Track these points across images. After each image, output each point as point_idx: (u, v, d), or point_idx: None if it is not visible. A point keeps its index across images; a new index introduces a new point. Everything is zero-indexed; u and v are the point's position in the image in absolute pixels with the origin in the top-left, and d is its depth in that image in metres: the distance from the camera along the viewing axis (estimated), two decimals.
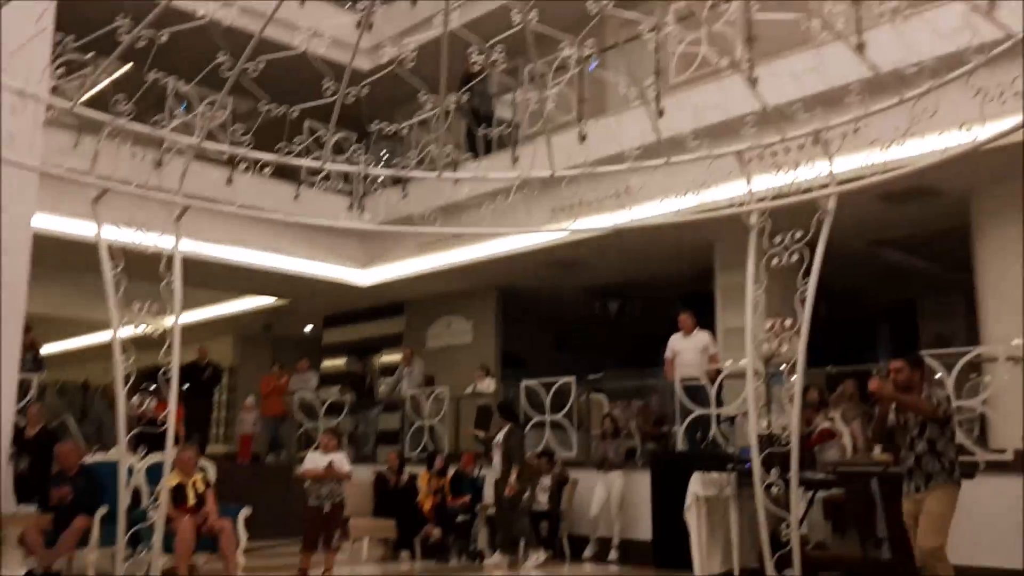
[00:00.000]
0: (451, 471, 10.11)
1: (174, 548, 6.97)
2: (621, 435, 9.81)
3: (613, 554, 9.14)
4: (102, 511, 7.59)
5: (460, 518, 9.21)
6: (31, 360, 10.56)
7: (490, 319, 15.44)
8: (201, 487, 7.51)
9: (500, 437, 9.29)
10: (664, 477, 8.66)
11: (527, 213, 7.30)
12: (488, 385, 13.16)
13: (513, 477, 8.89)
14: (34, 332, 11.24)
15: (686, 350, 9.86)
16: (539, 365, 16.43)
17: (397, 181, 11.60)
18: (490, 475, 10.08)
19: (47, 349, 14.60)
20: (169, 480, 7.29)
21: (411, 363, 14.20)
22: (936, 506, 5.54)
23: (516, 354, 17.03)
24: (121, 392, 6.35)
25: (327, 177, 7.24)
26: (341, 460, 8.10)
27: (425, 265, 14.31)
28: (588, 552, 9.14)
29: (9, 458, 8.49)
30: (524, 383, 11.72)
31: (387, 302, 16.59)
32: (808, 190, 6.58)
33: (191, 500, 7.38)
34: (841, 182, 6.55)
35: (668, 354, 10.05)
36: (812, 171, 6.58)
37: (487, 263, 13.51)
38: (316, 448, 8.24)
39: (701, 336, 10.01)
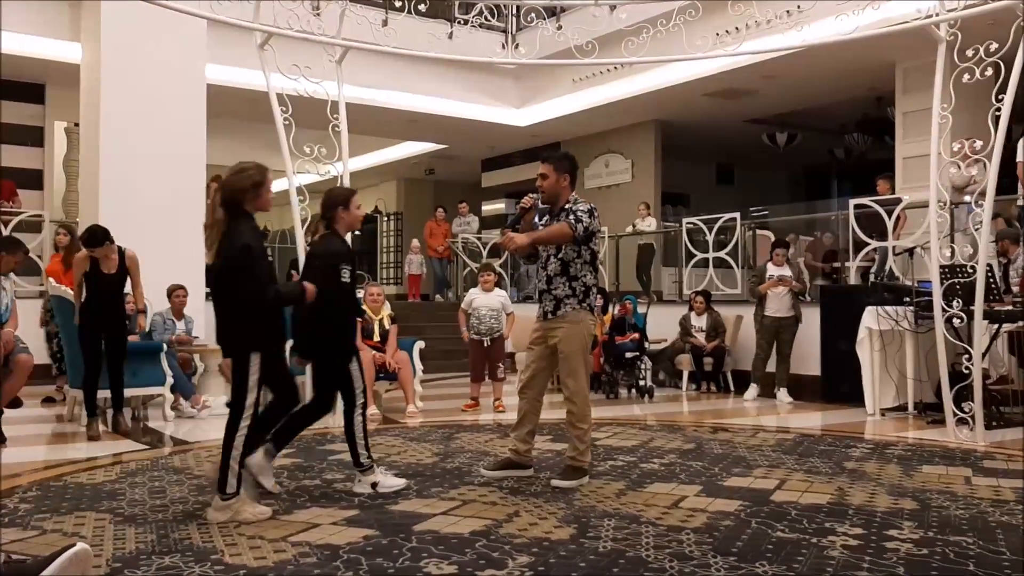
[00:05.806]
0: (612, 310, 10.18)
1: None
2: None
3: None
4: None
5: (629, 354, 9.30)
6: None
7: (649, 155, 15.10)
8: (388, 324, 7.93)
9: None
10: (835, 312, 8.43)
11: (690, 39, 6.91)
12: (649, 223, 13.03)
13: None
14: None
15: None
16: (701, 201, 16.14)
17: (552, 14, 11.25)
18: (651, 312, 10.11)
19: None
20: None
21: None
22: None
23: (677, 191, 16.71)
24: (300, 233, 6.70)
25: (480, 12, 7.10)
26: (504, 298, 8.32)
27: (582, 102, 14.03)
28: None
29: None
30: (685, 220, 11.50)
31: (543, 143, 16.50)
32: None
33: (376, 335, 7.81)
34: None
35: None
36: None
37: (646, 96, 13.11)
38: (477, 286, 8.46)
39: None
